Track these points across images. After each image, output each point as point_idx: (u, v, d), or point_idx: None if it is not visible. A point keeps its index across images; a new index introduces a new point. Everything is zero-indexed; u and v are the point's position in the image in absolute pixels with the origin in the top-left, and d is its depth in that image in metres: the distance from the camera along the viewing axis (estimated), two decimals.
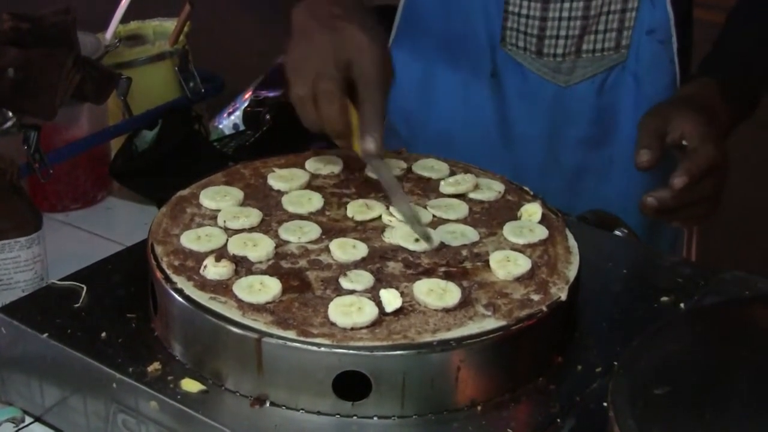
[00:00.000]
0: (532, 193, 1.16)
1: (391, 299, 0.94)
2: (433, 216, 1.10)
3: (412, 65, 1.46)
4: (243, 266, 1.00)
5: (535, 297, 0.98)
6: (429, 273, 1.00)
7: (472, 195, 1.15)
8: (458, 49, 1.43)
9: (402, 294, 0.96)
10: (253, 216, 1.08)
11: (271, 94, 1.82)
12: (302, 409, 0.92)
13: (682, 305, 1.08)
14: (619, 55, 1.38)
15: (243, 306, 0.94)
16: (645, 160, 1.13)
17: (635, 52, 1.38)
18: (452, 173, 1.19)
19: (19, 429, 1.03)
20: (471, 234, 1.07)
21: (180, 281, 0.98)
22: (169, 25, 1.68)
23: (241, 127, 1.78)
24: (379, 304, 0.94)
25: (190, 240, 1.04)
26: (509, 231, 1.08)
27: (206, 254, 1.01)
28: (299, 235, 1.05)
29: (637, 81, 1.39)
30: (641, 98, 1.38)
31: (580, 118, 1.42)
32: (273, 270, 1.00)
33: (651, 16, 1.36)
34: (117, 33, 1.60)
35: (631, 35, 1.37)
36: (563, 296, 0.98)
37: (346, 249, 1.03)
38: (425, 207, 1.11)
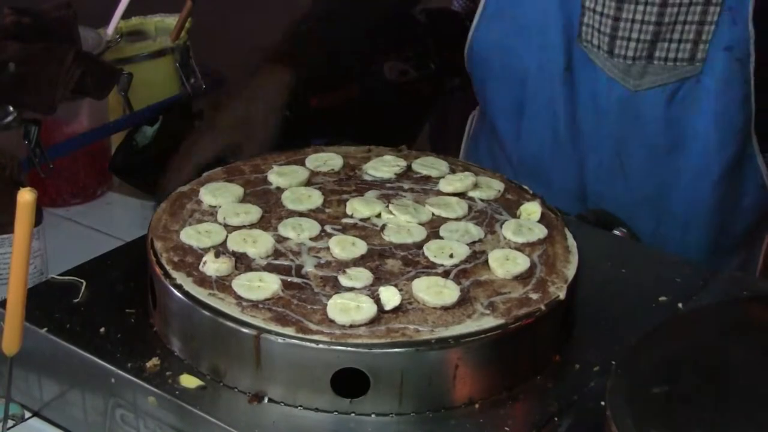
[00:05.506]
0: (531, 192, 1.16)
1: (389, 297, 0.95)
2: (433, 214, 1.10)
3: (492, 50, 1.46)
4: (242, 263, 1.00)
5: (534, 296, 0.98)
6: (428, 271, 1.00)
7: (471, 193, 1.15)
8: (536, 37, 1.41)
9: (401, 291, 0.96)
10: (253, 212, 1.08)
11: None
12: (300, 406, 0.92)
13: (680, 305, 1.08)
14: (693, 67, 1.35)
15: (242, 302, 0.94)
16: None
17: (710, 67, 1.34)
18: (452, 171, 1.19)
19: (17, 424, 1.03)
20: (475, 232, 1.07)
21: (179, 277, 0.98)
22: (171, 21, 1.68)
23: None
24: (377, 301, 0.94)
25: (189, 236, 1.04)
26: (508, 230, 1.08)
27: (206, 250, 1.01)
28: (299, 231, 1.05)
29: (709, 96, 1.35)
30: (712, 113, 1.35)
31: (648, 126, 1.39)
32: (272, 267, 1.00)
33: (730, 33, 1.32)
34: (118, 28, 1.60)
35: (708, 49, 1.33)
36: (562, 295, 0.99)
37: (345, 246, 1.03)
38: (424, 205, 1.11)
